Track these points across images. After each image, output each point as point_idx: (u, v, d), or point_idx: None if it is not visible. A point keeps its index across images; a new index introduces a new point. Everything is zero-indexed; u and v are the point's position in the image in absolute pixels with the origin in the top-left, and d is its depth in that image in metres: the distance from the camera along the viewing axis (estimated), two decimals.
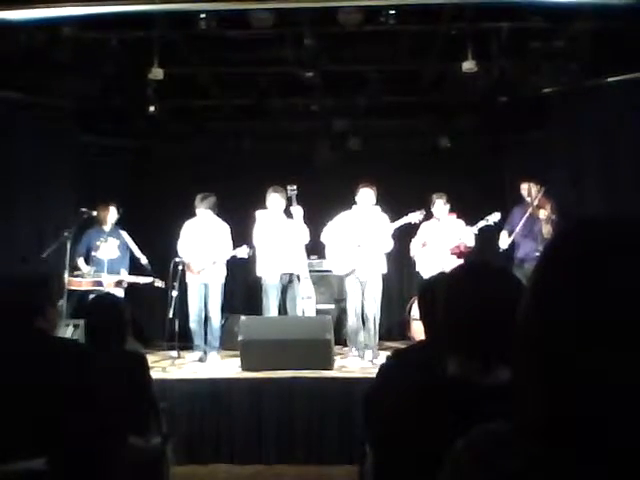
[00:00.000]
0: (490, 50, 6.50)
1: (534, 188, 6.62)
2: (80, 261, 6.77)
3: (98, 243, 6.74)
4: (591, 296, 0.70)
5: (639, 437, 0.67)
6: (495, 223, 6.64)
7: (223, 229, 6.73)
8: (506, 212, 6.84)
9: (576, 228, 0.77)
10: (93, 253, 6.74)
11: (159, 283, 6.72)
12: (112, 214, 6.91)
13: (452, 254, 6.57)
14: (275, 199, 6.58)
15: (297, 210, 6.48)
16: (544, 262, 0.77)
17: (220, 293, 6.63)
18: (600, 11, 5.50)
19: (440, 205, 6.73)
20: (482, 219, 6.61)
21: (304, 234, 6.52)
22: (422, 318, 2.64)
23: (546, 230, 6.32)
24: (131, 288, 6.80)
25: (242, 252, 6.56)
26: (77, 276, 6.60)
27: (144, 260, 6.83)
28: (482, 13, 5.84)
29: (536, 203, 6.50)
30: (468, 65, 6.25)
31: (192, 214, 6.78)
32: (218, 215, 6.79)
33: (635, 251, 0.70)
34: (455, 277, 1.64)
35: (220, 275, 6.64)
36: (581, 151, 6.97)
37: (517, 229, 6.58)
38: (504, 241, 6.72)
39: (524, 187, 6.77)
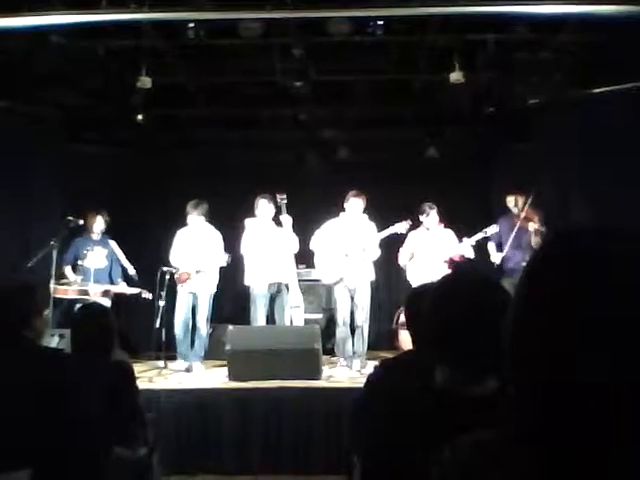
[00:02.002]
0: (477, 61, 6.55)
1: (520, 200, 6.66)
2: (67, 270, 6.73)
3: (85, 252, 6.69)
4: (572, 309, 0.70)
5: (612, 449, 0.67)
6: (492, 235, 6.67)
7: (216, 236, 6.69)
8: (492, 222, 6.87)
9: (558, 241, 0.77)
10: (80, 262, 6.69)
11: (146, 294, 6.65)
12: (99, 223, 6.86)
13: (446, 264, 6.54)
14: (264, 206, 6.56)
15: (286, 219, 6.47)
16: (528, 274, 0.78)
17: (209, 302, 6.59)
18: (585, 23, 5.57)
19: (434, 215, 6.72)
20: (479, 230, 6.60)
21: (293, 243, 6.51)
22: (409, 328, 2.64)
23: (535, 242, 6.35)
24: (118, 297, 6.76)
25: (222, 260, 6.52)
26: (63, 284, 6.55)
27: (132, 270, 6.78)
28: (469, 25, 5.89)
29: (524, 215, 6.53)
30: (455, 76, 6.30)
31: (180, 223, 6.75)
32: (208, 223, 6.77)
33: (617, 261, 0.71)
34: (442, 287, 1.64)
35: (211, 284, 6.60)
36: (567, 162, 7.02)
37: (508, 242, 6.59)
38: (495, 255, 6.73)
39: (510, 199, 6.81)
